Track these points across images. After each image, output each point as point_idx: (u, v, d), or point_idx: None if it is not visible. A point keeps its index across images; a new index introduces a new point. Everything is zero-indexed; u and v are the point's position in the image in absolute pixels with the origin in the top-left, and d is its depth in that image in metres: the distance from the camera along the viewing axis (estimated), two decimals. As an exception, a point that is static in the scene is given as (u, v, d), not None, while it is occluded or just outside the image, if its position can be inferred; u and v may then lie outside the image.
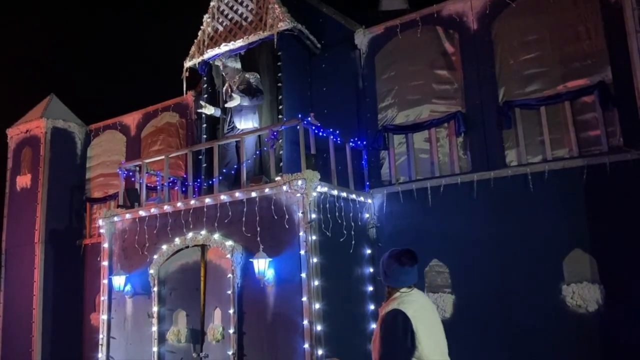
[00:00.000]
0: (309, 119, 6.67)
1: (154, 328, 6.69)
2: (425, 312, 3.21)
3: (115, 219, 7.49)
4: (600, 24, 6.10)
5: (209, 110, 7.76)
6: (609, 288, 5.65)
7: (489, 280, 6.21)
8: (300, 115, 6.65)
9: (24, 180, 10.01)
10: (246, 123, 7.40)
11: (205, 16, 8.11)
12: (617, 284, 5.61)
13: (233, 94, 7.32)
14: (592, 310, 5.69)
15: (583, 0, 6.24)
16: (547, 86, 6.34)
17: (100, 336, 7.28)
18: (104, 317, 7.30)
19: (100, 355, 7.22)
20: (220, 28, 7.96)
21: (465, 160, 6.75)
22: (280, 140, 6.96)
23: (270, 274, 5.89)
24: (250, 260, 5.94)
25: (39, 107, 10.52)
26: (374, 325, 6.40)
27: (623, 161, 5.74)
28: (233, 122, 7.46)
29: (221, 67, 7.78)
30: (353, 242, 6.43)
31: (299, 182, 5.86)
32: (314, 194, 5.90)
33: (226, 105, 7.55)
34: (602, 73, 6.03)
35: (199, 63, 8.13)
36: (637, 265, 5.52)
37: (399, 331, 3.01)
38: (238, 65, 7.72)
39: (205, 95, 8.07)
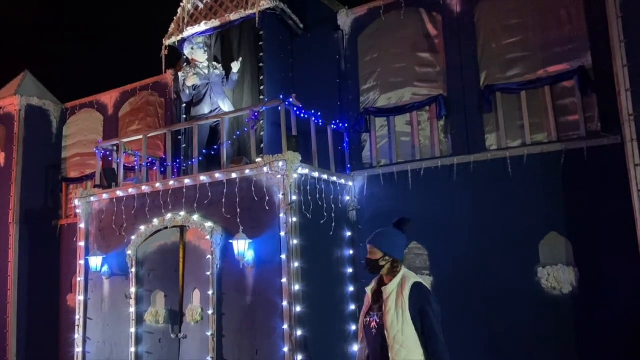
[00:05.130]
0: (291, 100, 6.60)
1: (132, 309, 6.64)
2: None
3: (92, 199, 7.37)
4: (581, 9, 6.13)
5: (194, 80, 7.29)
6: (583, 271, 5.77)
7: (467, 262, 6.29)
8: (281, 96, 6.58)
9: (-3, 159, 9.78)
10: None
11: (185, -7, 7.93)
12: (591, 267, 5.73)
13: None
14: (567, 292, 5.81)
15: (565, -15, 6.25)
16: (528, 71, 6.37)
17: (77, 317, 7.21)
18: (81, 298, 7.22)
19: (77, 336, 7.16)
20: (201, 5, 7.79)
21: (446, 143, 6.78)
22: (261, 121, 6.88)
23: (250, 255, 5.86)
24: (230, 241, 5.91)
25: (12, 84, 10.22)
26: (353, 307, 6.47)
27: (600, 146, 5.81)
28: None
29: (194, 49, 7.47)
30: (333, 224, 6.43)
31: (280, 164, 5.81)
32: (295, 175, 5.87)
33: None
34: (582, 58, 6.07)
35: (178, 41, 7.97)
36: (610, 248, 5.64)
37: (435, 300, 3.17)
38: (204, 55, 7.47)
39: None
